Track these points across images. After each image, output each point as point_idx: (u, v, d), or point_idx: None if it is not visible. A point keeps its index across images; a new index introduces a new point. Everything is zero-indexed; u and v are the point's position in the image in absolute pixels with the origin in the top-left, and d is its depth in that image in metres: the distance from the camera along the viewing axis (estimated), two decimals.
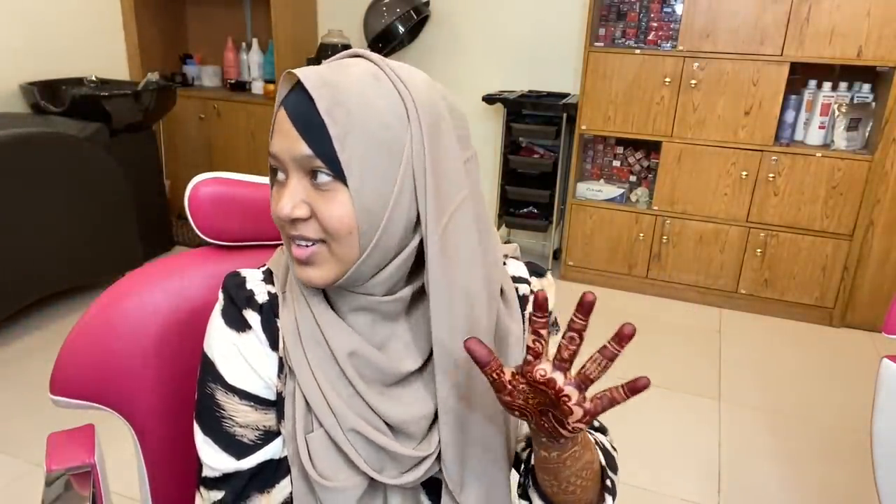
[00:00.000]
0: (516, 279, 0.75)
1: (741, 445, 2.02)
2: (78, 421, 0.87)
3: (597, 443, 0.74)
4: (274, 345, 0.69)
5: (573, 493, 0.67)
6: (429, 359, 0.67)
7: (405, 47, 3.42)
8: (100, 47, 3.26)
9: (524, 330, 0.73)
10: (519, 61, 3.29)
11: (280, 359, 0.68)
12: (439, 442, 0.67)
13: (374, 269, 0.63)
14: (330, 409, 0.65)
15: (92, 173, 2.60)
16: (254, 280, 0.71)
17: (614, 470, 0.74)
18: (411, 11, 3.18)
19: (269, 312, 0.69)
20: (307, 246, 0.62)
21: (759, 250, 2.83)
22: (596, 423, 0.82)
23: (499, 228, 3.29)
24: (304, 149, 0.59)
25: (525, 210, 3.22)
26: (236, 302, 0.68)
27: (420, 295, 0.67)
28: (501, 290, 0.71)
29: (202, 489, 0.70)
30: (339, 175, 0.59)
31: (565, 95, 3.12)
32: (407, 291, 0.66)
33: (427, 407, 0.67)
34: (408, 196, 0.61)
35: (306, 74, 0.60)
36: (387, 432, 0.66)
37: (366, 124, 0.59)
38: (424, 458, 0.67)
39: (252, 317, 0.68)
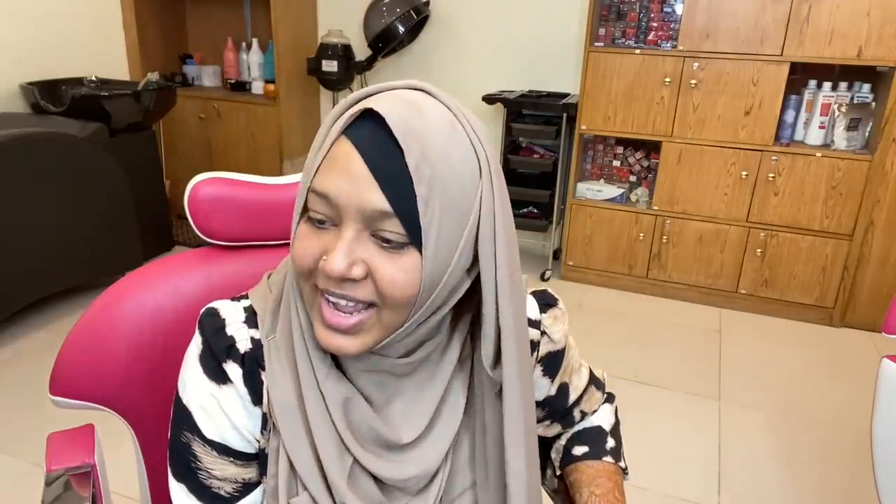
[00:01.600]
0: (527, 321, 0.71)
1: (741, 445, 2.02)
2: (78, 421, 0.87)
3: (612, 433, 0.83)
4: (257, 399, 0.62)
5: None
6: (430, 423, 0.63)
7: (405, 47, 3.42)
8: (100, 47, 3.26)
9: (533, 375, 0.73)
10: (519, 61, 3.29)
11: (264, 414, 0.63)
12: (437, 500, 0.63)
13: (409, 333, 0.58)
14: (323, 479, 0.60)
15: (92, 173, 2.60)
16: (234, 322, 0.63)
17: (621, 448, 0.82)
18: (411, 11, 3.18)
19: (253, 363, 0.62)
20: (350, 312, 0.54)
21: (759, 250, 2.83)
22: (602, 395, 0.85)
23: None
24: (381, 202, 0.51)
25: (525, 210, 3.22)
26: (215, 352, 0.61)
27: (431, 354, 0.63)
28: None
29: None
30: (412, 238, 0.52)
31: (565, 95, 3.12)
32: (424, 352, 0.61)
33: (430, 466, 0.62)
34: (467, 255, 0.55)
35: (390, 115, 0.51)
36: (379, 500, 0.62)
37: (447, 185, 0.52)
38: None
39: (233, 370, 0.61)
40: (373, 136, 0.51)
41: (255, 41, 3.60)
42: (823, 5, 2.50)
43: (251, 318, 0.64)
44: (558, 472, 0.82)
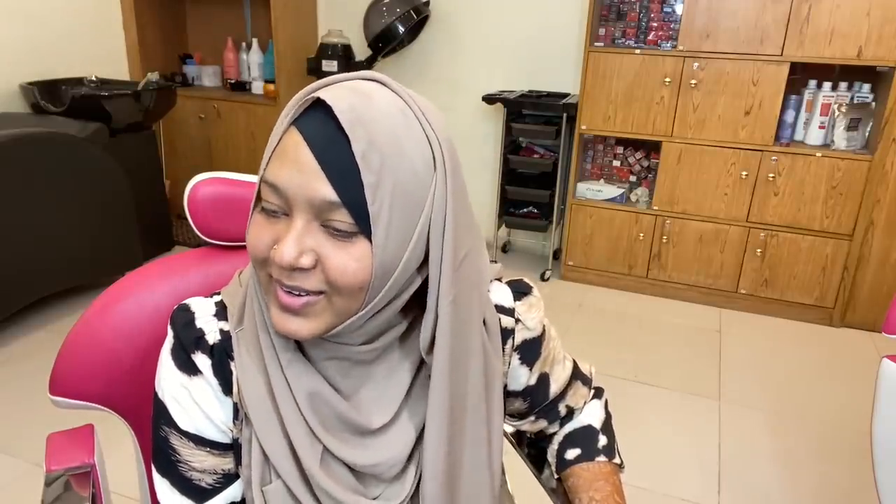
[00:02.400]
0: (500, 308, 0.71)
1: (741, 445, 2.02)
2: (78, 421, 0.87)
3: (603, 430, 0.82)
4: (227, 389, 0.63)
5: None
6: (399, 409, 0.64)
7: (405, 47, 3.42)
8: (100, 47, 3.26)
9: (505, 363, 0.72)
10: (519, 61, 3.29)
11: (235, 404, 0.63)
12: (412, 488, 0.64)
13: (366, 320, 0.58)
14: (297, 466, 0.60)
15: (92, 173, 2.60)
16: (204, 315, 0.64)
17: (615, 444, 0.82)
18: (411, 11, 3.18)
19: (222, 354, 0.63)
20: (300, 295, 0.55)
21: (759, 250, 2.83)
22: (589, 391, 0.85)
23: (498, 228, 3.30)
24: (329, 193, 0.51)
25: (525, 210, 3.22)
26: (184, 344, 0.62)
27: (393, 341, 0.63)
28: (484, 322, 0.67)
29: None
30: (362, 226, 0.52)
31: (565, 95, 3.12)
32: (385, 340, 0.62)
33: (399, 451, 0.63)
34: (421, 246, 0.56)
35: (338, 104, 0.51)
36: (353, 485, 0.62)
37: (397, 173, 0.52)
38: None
39: (202, 360, 0.62)
40: (321, 126, 0.52)
41: (255, 41, 3.60)
42: (823, 5, 2.50)
43: (221, 312, 0.65)
44: (556, 476, 0.82)
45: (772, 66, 2.63)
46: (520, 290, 0.74)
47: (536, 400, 0.78)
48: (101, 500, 0.80)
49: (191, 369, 0.63)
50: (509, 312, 0.72)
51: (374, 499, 0.64)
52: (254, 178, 0.87)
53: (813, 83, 2.70)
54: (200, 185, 0.83)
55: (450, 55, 3.40)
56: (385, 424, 0.63)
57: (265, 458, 0.62)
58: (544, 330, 0.76)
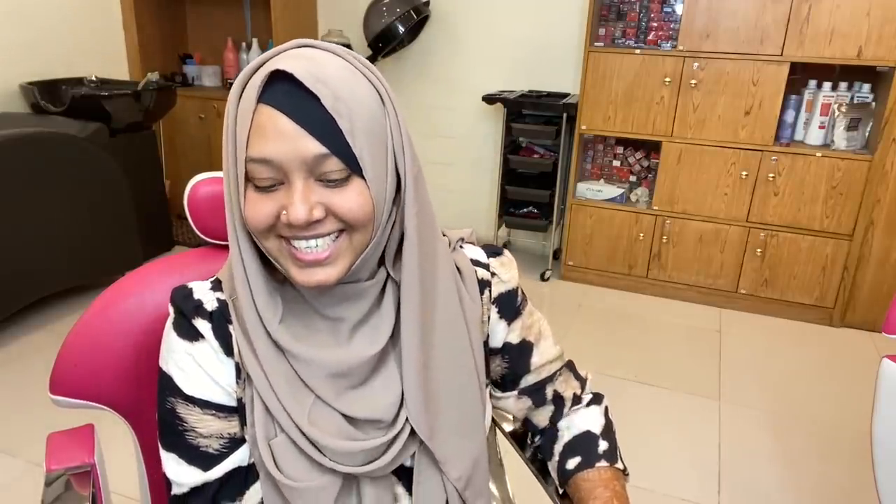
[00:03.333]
0: (475, 262, 0.77)
1: (741, 445, 2.02)
2: (78, 421, 0.87)
3: (604, 435, 0.82)
4: (228, 351, 0.67)
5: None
6: (394, 336, 0.67)
7: (405, 47, 3.42)
8: (100, 47, 3.26)
9: (483, 312, 0.76)
10: (519, 61, 3.29)
11: (237, 364, 0.67)
12: (406, 421, 0.67)
13: (372, 253, 0.64)
14: (290, 418, 0.64)
15: (92, 173, 2.60)
16: (201, 289, 0.69)
17: (616, 450, 0.81)
18: (411, 11, 3.18)
19: (221, 318, 0.67)
20: (321, 248, 0.60)
21: (759, 250, 2.83)
22: (588, 396, 0.85)
23: (499, 228, 3.30)
24: (317, 147, 0.56)
25: (525, 210, 3.22)
26: (185, 312, 0.67)
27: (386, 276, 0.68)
28: (459, 271, 0.73)
29: None
30: (352, 168, 0.58)
31: (565, 95, 3.12)
32: (382, 274, 0.67)
33: (394, 393, 0.67)
34: (392, 171, 0.62)
35: (297, 71, 0.56)
36: (351, 433, 0.65)
37: (362, 115, 0.58)
38: (393, 442, 0.66)
39: (202, 325, 0.67)
40: (287, 94, 0.56)
41: (255, 41, 3.60)
42: (823, 5, 2.50)
43: (217, 286, 0.70)
44: (560, 490, 0.81)
45: (772, 66, 2.63)
46: (493, 251, 0.80)
47: (517, 365, 0.80)
48: (101, 500, 0.80)
49: (193, 335, 0.66)
50: (484, 266, 0.77)
51: (375, 439, 0.66)
52: None
53: (813, 83, 2.70)
54: (200, 185, 0.83)
55: (450, 55, 3.40)
56: (377, 366, 0.66)
57: (268, 413, 0.65)
58: (521, 290, 0.80)
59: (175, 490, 0.67)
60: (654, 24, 2.78)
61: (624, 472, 0.80)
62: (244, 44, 3.66)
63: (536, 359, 0.80)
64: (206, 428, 0.67)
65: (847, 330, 2.80)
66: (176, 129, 3.59)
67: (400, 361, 0.67)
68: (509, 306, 0.78)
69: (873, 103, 2.65)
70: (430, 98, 3.48)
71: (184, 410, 0.66)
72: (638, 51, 2.78)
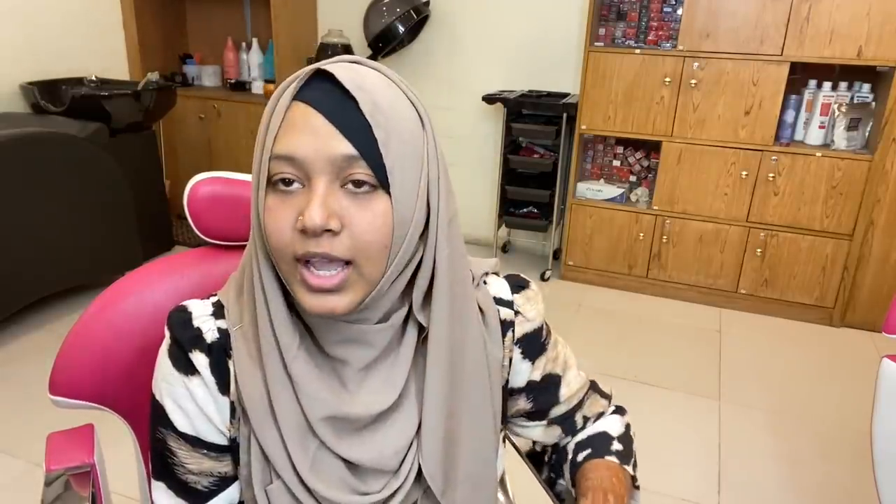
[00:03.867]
0: (498, 301, 0.72)
1: (741, 445, 2.02)
2: (77, 421, 0.87)
3: (619, 439, 0.79)
4: (224, 388, 0.63)
5: None
6: (406, 381, 0.64)
7: (405, 47, 3.42)
8: (100, 47, 3.26)
9: (505, 357, 0.72)
10: (519, 61, 3.29)
11: (231, 403, 0.63)
12: (409, 472, 0.64)
13: (383, 293, 0.59)
14: (292, 466, 0.61)
15: (92, 173, 2.60)
16: (201, 315, 0.64)
17: (632, 456, 0.78)
18: (411, 11, 3.18)
19: (220, 352, 0.63)
20: (331, 273, 0.55)
21: (759, 250, 2.83)
22: (612, 407, 0.83)
23: (498, 228, 3.30)
24: (347, 148, 0.53)
25: (525, 210, 3.22)
26: (182, 343, 0.63)
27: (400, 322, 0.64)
28: (481, 310, 0.69)
29: None
30: (380, 180, 0.55)
31: (565, 95, 3.12)
32: (396, 319, 0.62)
33: (400, 440, 0.63)
34: (423, 204, 0.58)
35: (339, 73, 0.55)
36: (354, 484, 0.63)
37: (400, 132, 0.56)
38: (395, 493, 0.64)
39: (199, 359, 0.62)
40: (326, 93, 0.54)
41: (255, 41, 3.60)
42: (823, 5, 2.50)
43: (218, 311, 0.65)
44: (571, 486, 0.78)
45: (772, 66, 2.63)
46: (518, 284, 0.74)
47: (543, 400, 0.77)
48: (101, 500, 0.80)
49: (188, 369, 0.63)
50: (508, 305, 0.72)
51: (377, 492, 0.64)
52: None
53: (813, 83, 2.70)
54: (200, 185, 0.83)
55: (450, 55, 3.40)
56: (386, 411, 0.63)
57: (265, 457, 0.62)
58: (545, 324, 0.76)
59: None
60: (654, 24, 2.78)
61: (634, 481, 0.77)
62: (244, 44, 3.66)
63: (564, 390, 0.77)
64: (197, 465, 0.65)
65: (847, 330, 2.80)
66: (176, 129, 3.59)
67: (412, 407, 0.64)
68: (534, 345, 0.74)
69: (873, 103, 2.65)
70: (430, 98, 3.48)
71: (175, 445, 0.64)
72: (638, 51, 2.78)
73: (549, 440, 0.81)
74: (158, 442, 0.65)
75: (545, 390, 0.76)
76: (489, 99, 3.06)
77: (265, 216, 0.57)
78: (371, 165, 0.54)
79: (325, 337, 0.61)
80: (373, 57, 3.30)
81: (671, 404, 2.21)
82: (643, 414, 2.14)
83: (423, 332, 0.64)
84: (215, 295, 0.68)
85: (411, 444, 0.64)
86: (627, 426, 0.82)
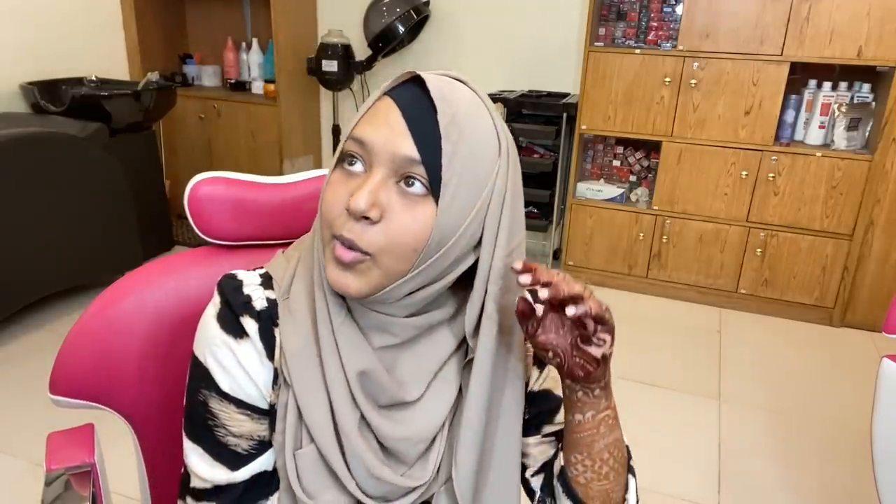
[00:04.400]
0: None
1: (741, 445, 2.02)
2: (78, 420, 0.87)
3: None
4: (270, 354, 0.65)
5: (606, 478, 0.67)
6: (429, 386, 0.67)
7: (405, 47, 3.42)
8: (100, 47, 3.26)
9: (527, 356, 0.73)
10: (519, 61, 3.29)
11: (275, 369, 0.66)
12: (434, 473, 0.66)
13: (412, 290, 0.61)
14: (331, 426, 0.63)
15: (92, 173, 2.60)
16: (251, 284, 0.67)
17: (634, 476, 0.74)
18: (411, 11, 3.18)
19: (268, 320, 0.65)
20: (352, 249, 0.59)
21: (759, 250, 2.83)
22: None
23: None
24: (412, 150, 0.57)
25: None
26: (233, 307, 0.65)
27: (440, 322, 0.66)
28: None
29: (189, 499, 0.67)
30: (433, 188, 0.57)
31: (565, 95, 3.12)
32: (431, 318, 0.65)
33: (425, 431, 0.66)
34: (476, 226, 0.60)
35: (431, 81, 0.58)
36: (383, 458, 0.65)
37: (471, 150, 0.58)
38: (416, 488, 0.66)
39: (249, 324, 0.65)
40: (412, 96, 0.58)
41: (255, 41, 3.60)
42: (823, 5, 2.50)
43: (266, 282, 0.68)
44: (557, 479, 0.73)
45: (772, 66, 2.63)
46: None
47: (541, 410, 0.75)
48: (101, 500, 0.80)
49: (239, 332, 0.65)
50: None
51: (400, 476, 0.65)
52: (255, 178, 0.87)
53: (813, 83, 2.70)
54: (201, 185, 0.83)
55: (450, 55, 3.40)
56: (416, 399, 0.65)
57: (300, 422, 0.64)
58: None
59: (196, 483, 0.66)
60: (654, 24, 2.78)
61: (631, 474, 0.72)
62: (244, 44, 3.67)
63: (557, 403, 0.77)
64: (238, 427, 0.66)
65: (847, 330, 2.80)
66: (176, 129, 3.59)
67: (424, 412, 0.66)
68: None
69: (873, 103, 2.65)
70: None
71: (217, 406, 0.65)
72: (638, 51, 2.78)
73: (538, 457, 0.77)
74: (199, 405, 0.66)
75: (545, 402, 0.75)
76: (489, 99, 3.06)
77: (326, 188, 0.61)
78: (429, 173, 0.57)
79: (358, 320, 0.65)
80: (373, 57, 3.31)
81: (671, 404, 2.21)
82: (643, 414, 2.14)
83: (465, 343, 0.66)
84: (260, 268, 0.71)
85: (433, 440, 0.66)
86: (635, 490, 0.73)
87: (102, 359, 0.80)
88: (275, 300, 0.66)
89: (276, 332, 0.65)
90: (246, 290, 0.66)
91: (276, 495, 0.67)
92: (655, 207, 2.94)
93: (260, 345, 0.65)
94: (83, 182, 2.57)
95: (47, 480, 0.77)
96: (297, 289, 0.66)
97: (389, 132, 0.57)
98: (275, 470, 0.68)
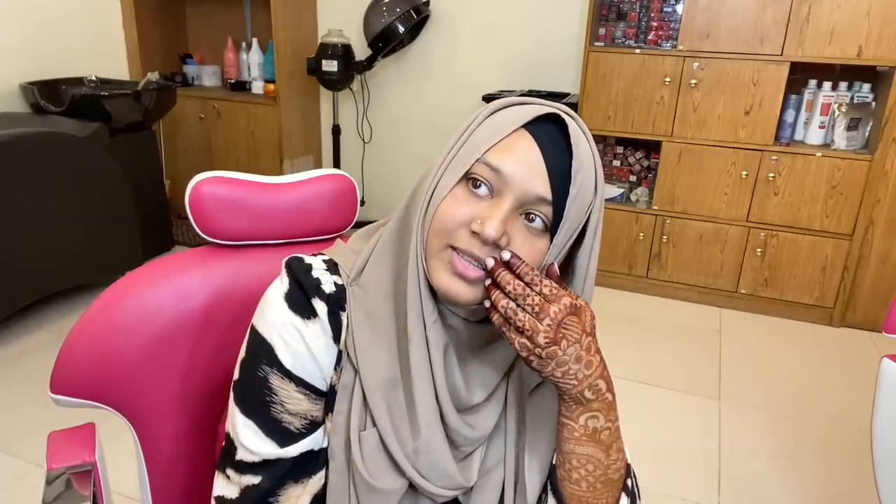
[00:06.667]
0: None
1: (741, 445, 2.02)
2: (78, 420, 0.87)
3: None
4: (336, 337, 0.68)
5: (577, 484, 0.66)
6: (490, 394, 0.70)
7: (405, 47, 3.42)
8: (100, 47, 3.26)
9: None
10: (519, 61, 3.29)
11: (339, 352, 0.68)
12: (480, 462, 0.70)
13: None
14: (390, 413, 0.67)
15: (92, 173, 2.60)
16: (319, 268, 0.70)
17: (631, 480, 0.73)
18: (411, 11, 3.18)
19: (335, 304, 0.68)
20: (473, 267, 0.62)
21: (759, 250, 2.83)
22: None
23: None
24: (546, 191, 0.61)
25: None
26: (305, 288, 0.67)
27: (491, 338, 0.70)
28: None
29: (231, 471, 0.68)
30: (553, 226, 0.62)
31: (565, 95, 3.12)
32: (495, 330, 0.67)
33: (483, 434, 0.69)
34: (562, 258, 0.66)
35: (572, 127, 0.62)
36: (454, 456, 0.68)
37: (585, 191, 0.63)
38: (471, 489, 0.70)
39: (320, 306, 0.67)
40: (551, 138, 0.62)
41: (255, 41, 3.60)
42: (823, 5, 2.50)
43: (332, 268, 0.71)
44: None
45: (772, 66, 2.63)
46: None
47: None
48: (102, 499, 0.80)
49: (308, 313, 0.67)
50: None
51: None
52: (254, 178, 0.87)
53: (813, 83, 2.70)
54: (201, 185, 0.83)
55: (450, 55, 3.40)
56: (480, 403, 0.69)
57: (365, 406, 0.66)
58: None
59: (242, 456, 0.67)
60: (654, 24, 2.78)
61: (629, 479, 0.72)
62: (244, 44, 3.67)
63: None
64: (295, 405, 0.67)
65: (847, 330, 2.80)
66: (176, 129, 3.59)
67: (495, 409, 0.70)
68: None
69: (873, 103, 2.65)
70: (430, 98, 3.48)
71: (277, 383, 0.67)
72: (638, 50, 2.78)
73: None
74: (258, 380, 0.67)
75: None
76: (489, 99, 3.06)
77: (448, 199, 0.63)
78: (554, 213, 0.62)
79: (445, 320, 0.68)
80: (373, 57, 3.31)
81: (671, 404, 2.21)
82: (643, 414, 2.14)
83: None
84: (322, 253, 0.73)
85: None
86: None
87: (103, 358, 0.80)
88: (342, 285, 0.69)
89: (343, 315, 0.68)
90: (315, 274, 0.69)
91: (318, 475, 0.69)
92: (655, 207, 2.94)
93: (328, 327, 0.67)
94: (83, 182, 2.57)
95: (48, 480, 0.77)
96: (373, 279, 0.68)
97: (528, 170, 0.61)
98: (320, 450, 0.70)
